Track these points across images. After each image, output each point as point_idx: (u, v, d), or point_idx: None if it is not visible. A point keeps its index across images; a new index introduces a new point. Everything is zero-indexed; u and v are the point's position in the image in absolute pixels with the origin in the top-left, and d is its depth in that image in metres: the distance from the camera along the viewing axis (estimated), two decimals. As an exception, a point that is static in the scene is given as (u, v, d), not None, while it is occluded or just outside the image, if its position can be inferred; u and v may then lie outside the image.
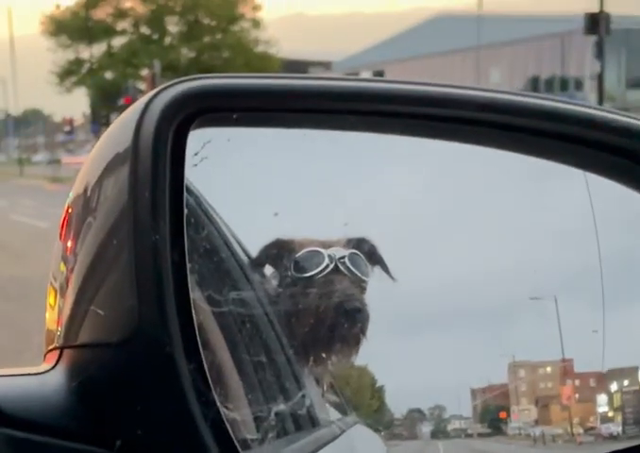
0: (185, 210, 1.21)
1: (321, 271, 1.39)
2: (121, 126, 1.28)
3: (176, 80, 1.26)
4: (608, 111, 1.41)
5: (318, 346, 1.41)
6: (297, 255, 1.38)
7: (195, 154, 1.26)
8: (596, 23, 31.81)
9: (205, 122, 1.25)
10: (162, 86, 1.25)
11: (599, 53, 32.90)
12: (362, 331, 1.38)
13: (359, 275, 1.40)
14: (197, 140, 1.26)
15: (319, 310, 1.38)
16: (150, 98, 1.23)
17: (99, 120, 55.42)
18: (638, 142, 1.42)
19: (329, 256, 1.39)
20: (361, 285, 1.41)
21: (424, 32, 67.64)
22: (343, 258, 1.40)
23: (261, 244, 1.39)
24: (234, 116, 1.26)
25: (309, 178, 1.40)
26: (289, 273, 1.39)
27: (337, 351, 1.41)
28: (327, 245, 1.40)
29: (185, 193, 1.22)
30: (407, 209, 1.44)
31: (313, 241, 1.40)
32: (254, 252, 1.40)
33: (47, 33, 66.47)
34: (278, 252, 1.38)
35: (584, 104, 1.44)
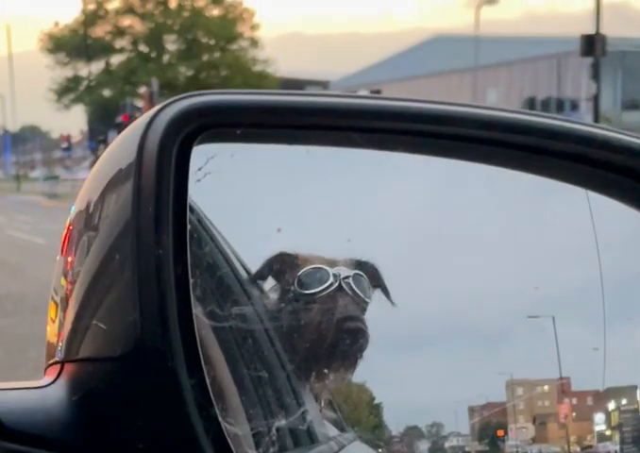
0: (188, 226, 1.22)
1: (325, 288, 1.40)
2: (124, 142, 1.28)
3: (180, 96, 1.26)
4: (609, 130, 1.42)
5: (318, 363, 1.41)
6: (302, 271, 1.39)
7: (199, 169, 1.26)
8: (592, 44, 31.88)
9: (209, 137, 1.25)
10: (167, 101, 1.26)
11: (596, 74, 32.97)
12: (361, 351, 1.39)
13: (361, 296, 1.41)
14: (201, 155, 1.26)
15: (320, 327, 1.38)
16: (154, 113, 1.24)
17: (97, 137, 55.43)
18: (637, 161, 1.42)
19: (334, 274, 1.40)
20: (362, 306, 1.41)
21: (421, 53, 67.82)
22: (347, 278, 1.40)
23: (263, 260, 1.39)
24: (238, 132, 1.26)
25: (311, 195, 1.41)
26: (292, 288, 1.39)
27: (336, 369, 1.41)
28: (331, 264, 1.41)
29: (188, 209, 1.23)
30: (407, 227, 1.45)
31: (318, 258, 1.41)
32: (256, 267, 1.40)
33: (46, 50, 66.58)
34: (281, 267, 1.39)
35: (586, 122, 1.44)
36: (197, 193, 1.25)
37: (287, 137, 1.32)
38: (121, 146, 1.29)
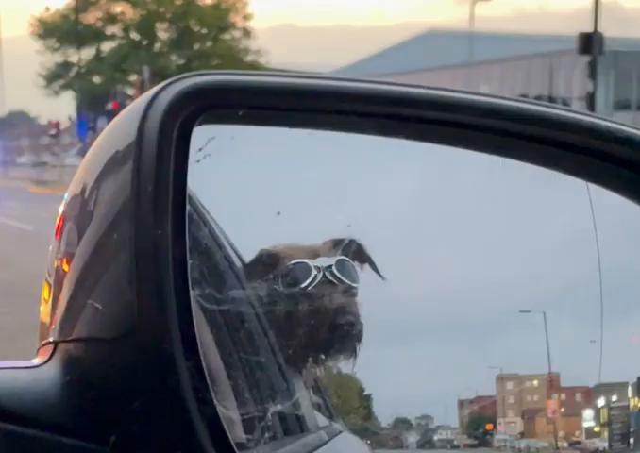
0: (187, 207, 1.20)
1: (309, 284, 1.38)
2: (123, 123, 1.27)
3: (181, 75, 1.25)
4: (612, 121, 1.41)
5: (311, 358, 1.40)
6: (283, 268, 1.37)
7: (199, 150, 1.25)
8: (589, 43, 31.96)
9: (210, 118, 1.24)
10: (168, 81, 1.24)
11: (592, 73, 33.04)
12: (357, 340, 1.38)
13: (348, 282, 1.39)
14: (202, 136, 1.25)
15: (311, 325, 1.36)
16: (156, 93, 1.22)
17: (86, 124, 55.23)
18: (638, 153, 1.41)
19: (316, 267, 1.38)
20: (351, 292, 1.39)
21: (414, 48, 67.84)
22: (330, 267, 1.39)
23: (259, 245, 1.38)
24: (240, 113, 1.25)
25: (311, 179, 1.40)
26: (277, 287, 1.38)
27: (332, 363, 1.40)
28: (312, 252, 1.39)
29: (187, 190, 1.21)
30: (404, 215, 1.44)
31: (298, 249, 1.39)
32: (251, 251, 1.39)
33: (36, 35, 66.36)
34: (265, 268, 1.37)
35: (588, 113, 1.43)
36: (197, 175, 1.24)
37: (289, 120, 1.31)
38: (119, 128, 1.28)
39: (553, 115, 1.37)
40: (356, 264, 1.39)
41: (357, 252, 1.39)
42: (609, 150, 1.40)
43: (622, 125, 1.40)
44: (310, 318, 1.36)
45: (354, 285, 1.39)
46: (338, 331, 1.37)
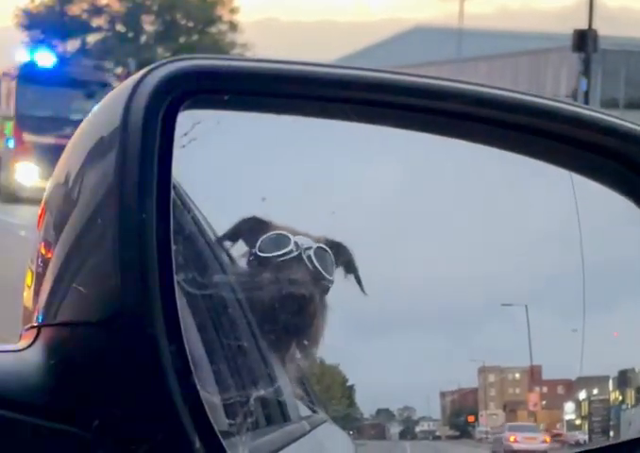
0: (172, 192, 1.20)
1: (283, 254, 1.37)
2: (108, 105, 1.26)
3: (167, 59, 1.24)
4: (596, 111, 1.41)
5: (293, 344, 1.40)
6: (265, 235, 1.37)
7: (185, 135, 1.24)
8: (583, 40, 31.99)
9: (196, 103, 1.23)
10: (154, 65, 1.24)
11: (586, 70, 33.07)
12: (313, 319, 1.37)
13: (320, 269, 1.38)
14: (188, 121, 1.24)
15: (271, 296, 1.36)
16: (141, 77, 1.22)
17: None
18: (625, 144, 1.41)
19: (296, 243, 1.38)
20: (321, 280, 1.39)
21: (400, 44, 67.83)
22: (309, 249, 1.38)
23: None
24: (225, 98, 1.24)
25: (296, 165, 1.39)
26: (252, 251, 1.37)
27: (294, 340, 1.40)
28: (299, 235, 1.39)
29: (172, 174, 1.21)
30: (388, 205, 1.44)
31: (289, 228, 1.39)
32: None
33: (21, 26, 65.99)
34: (251, 228, 1.37)
35: (572, 103, 1.43)
36: (182, 159, 1.24)
37: (275, 106, 1.31)
38: (104, 111, 1.27)
39: (537, 104, 1.37)
40: (340, 269, 1.39)
41: (346, 261, 1.38)
42: (593, 140, 1.40)
43: (606, 115, 1.40)
44: (270, 289, 1.36)
45: (326, 276, 1.38)
46: (290, 303, 1.36)
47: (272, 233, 1.37)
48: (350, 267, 1.39)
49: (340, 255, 1.38)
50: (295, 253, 1.37)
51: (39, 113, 28.00)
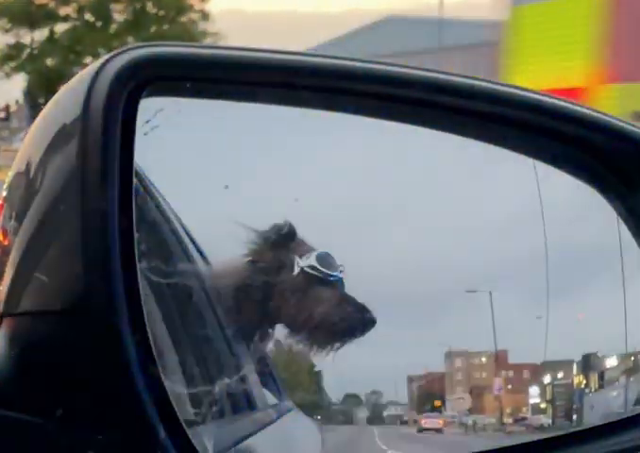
0: (134, 179, 1.19)
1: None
2: (69, 93, 1.25)
3: (129, 46, 1.23)
4: (559, 99, 1.41)
5: (259, 332, 1.40)
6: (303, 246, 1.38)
7: (147, 122, 1.24)
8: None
9: (157, 90, 1.23)
10: (115, 51, 1.23)
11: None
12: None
13: (286, 257, 1.40)
14: (149, 108, 1.23)
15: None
16: (102, 63, 1.20)
17: (36, 107, 54.52)
18: (586, 131, 1.42)
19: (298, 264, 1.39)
20: (283, 267, 1.40)
21: (371, 34, 67.66)
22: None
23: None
24: (187, 85, 1.24)
25: (259, 152, 1.39)
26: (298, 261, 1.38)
27: (260, 328, 1.40)
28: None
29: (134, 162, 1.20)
30: (353, 191, 1.44)
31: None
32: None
33: (-12, 16, 65.37)
34: (281, 239, 1.38)
35: (534, 90, 1.43)
36: (143, 147, 1.23)
37: (237, 94, 1.30)
38: (65, 99, 1.26)
39: (500, 92, 1.38)
40: (305, 258, 1.40)
41: (308, 249, 1.39)
42: (554, 127, 1.41)
43: (568, 102, 1.40)
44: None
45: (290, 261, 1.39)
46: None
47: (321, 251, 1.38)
48: (312, 256, 1.39)
49: (301, 242, 1.39)
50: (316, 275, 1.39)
51: None
